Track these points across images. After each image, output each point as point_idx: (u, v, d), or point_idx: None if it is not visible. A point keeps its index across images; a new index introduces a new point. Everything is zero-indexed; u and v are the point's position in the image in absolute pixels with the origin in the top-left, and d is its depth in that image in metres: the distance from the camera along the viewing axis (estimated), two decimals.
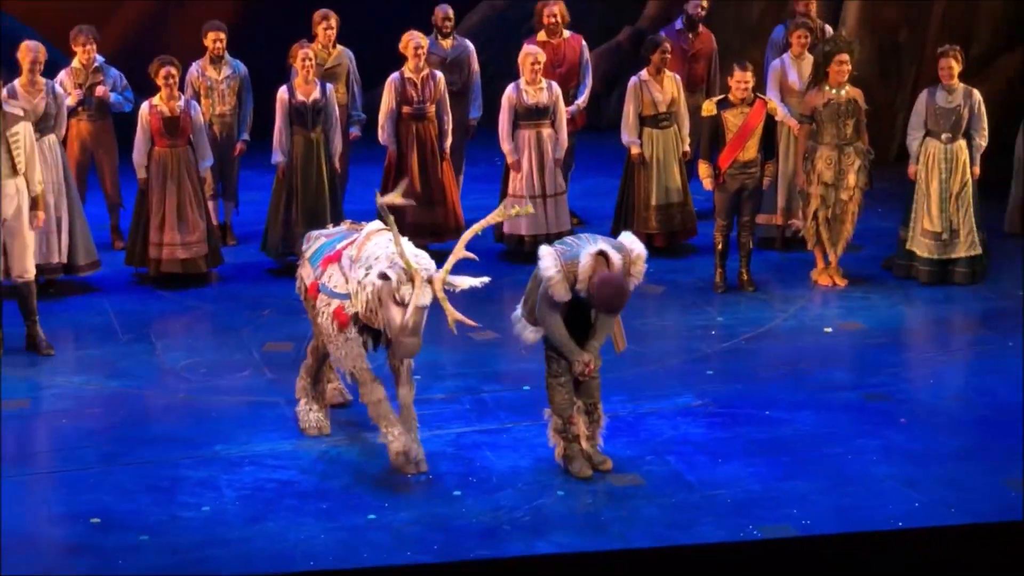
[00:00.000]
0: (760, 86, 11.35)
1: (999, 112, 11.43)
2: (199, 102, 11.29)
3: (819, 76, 10.79)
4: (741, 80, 10.57)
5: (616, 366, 9.28)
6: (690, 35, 12.20)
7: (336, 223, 11.05)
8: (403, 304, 7.46)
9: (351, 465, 7.94)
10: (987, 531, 6.93)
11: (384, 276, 7.47)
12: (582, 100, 11.98)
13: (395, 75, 11.38)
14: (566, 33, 12.09)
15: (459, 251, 7.71)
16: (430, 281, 7.51)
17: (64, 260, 10.64)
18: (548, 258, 7.63)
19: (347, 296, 7.74)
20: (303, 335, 8.93)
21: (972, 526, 7.09)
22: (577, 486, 7.74)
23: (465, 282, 7.63)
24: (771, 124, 10.75)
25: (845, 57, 10.65)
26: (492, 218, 7.87)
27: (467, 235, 7.80)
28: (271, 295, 10.69)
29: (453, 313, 7.55)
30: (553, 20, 11.97)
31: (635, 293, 10.48)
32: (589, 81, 12.15)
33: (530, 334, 7.86)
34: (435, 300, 7.49)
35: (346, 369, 7.89)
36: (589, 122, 13.79)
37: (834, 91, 10.66)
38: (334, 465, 7.94)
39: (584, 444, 7.91)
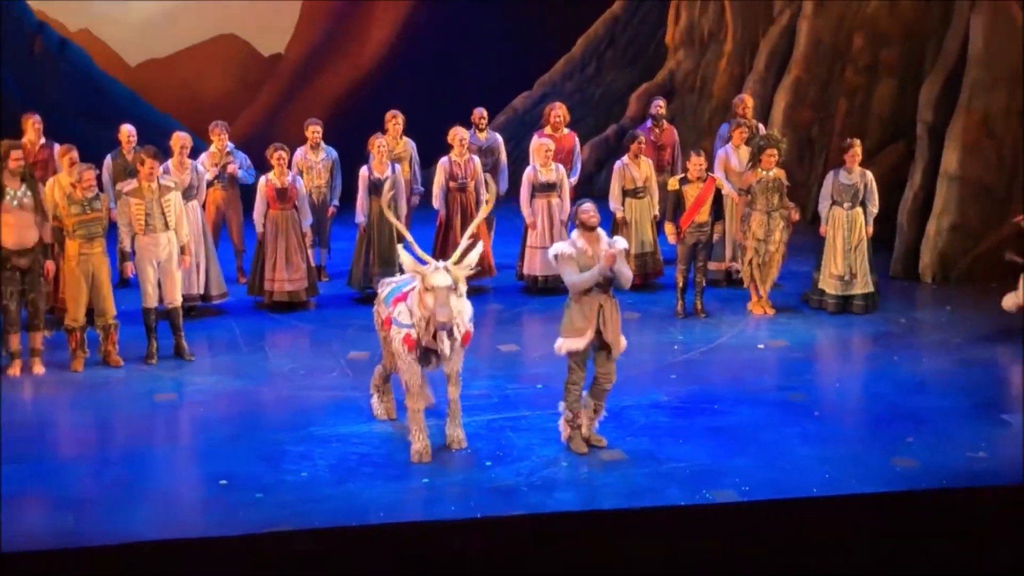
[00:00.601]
0: (710, 167, 11.30)
1: (886, 188, 11.37)
2: (302, 177, 11.27)
3: (754, 161, 10.72)
4: (696, 163, 10.56)
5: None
6: (656, 130, 12.14)
7: (402, 270, 11.04)
8: (430, 288, 7.46)
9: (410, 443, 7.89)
10: (880, 499, 6.86)
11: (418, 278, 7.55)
12: (574, 179, 11.95)
13: (444, 159, 11.33)
14: (565, 130, 12.05)
15: (464, 241, 7.80)
16: (446, 269, 7.52)
17: (202, 291, 10.61)
18: (558, 245, 7.76)
19: (411, 326, 7.68)
20: (377, 347, 8.89)
21: (869, 495, 7.01)
22: (577, 459, 7.67)
23: (473, 259, 7.66)
24: (718, 195, 10.72)
25: (774, 150, 10.60)
26: (480, 216, 8.21)
27: (471, 228, 7.96)
28: (353, 317, 10.64)
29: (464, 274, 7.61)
30: (557, 119, 11.94)
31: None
32: (579, 166, 12.09)
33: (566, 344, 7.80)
34: (454, 285, 7.46)
35: (405, 380, 7.80)
36: (583, 193, 13.74)
37: (764, 172, 10.59)
38: (398, 443, 7.89)
39: (584, 430, 7.85)
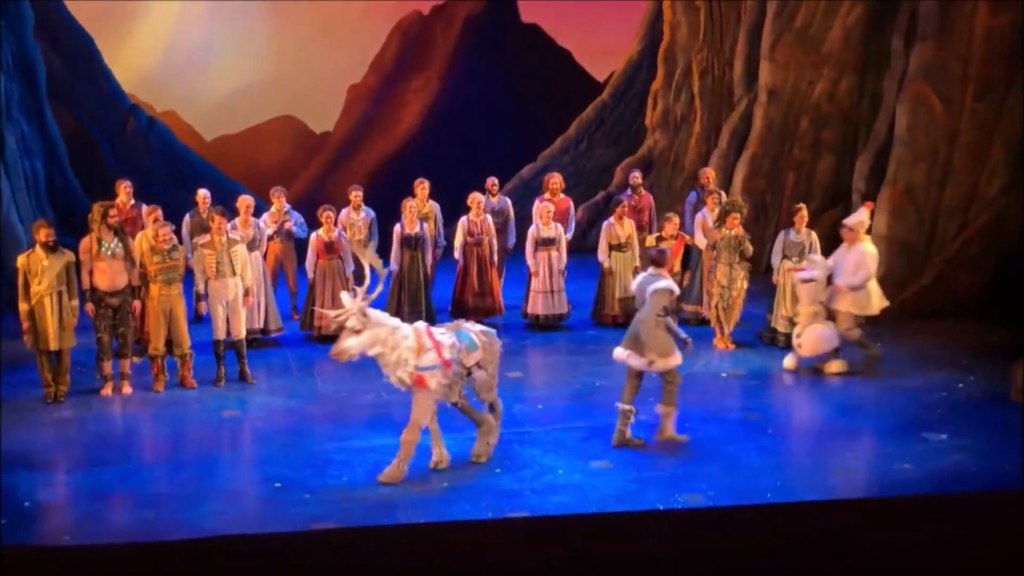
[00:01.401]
0: (681, 227, 11.31)
1: (827, 245, 11.33)
2: (346, 233, 11.29)
3: (720, 222, 10.71)
4: (671, 224, 10.62)
5: (593, 393, 9.19)
6: (636, 196, 12.14)
7: (428, 305, 11.03)
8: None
9: (428, 454, 7.85)
10: (823, 506, 6.79)
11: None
12: (570, 236, 11.94)
13: (464, 218, 11.34)
14: (562, 195, 12.08)
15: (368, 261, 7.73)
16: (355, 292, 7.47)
17: (262, 326, 10.62)
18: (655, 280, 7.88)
19: (430, 368, 7.35)
20: None
21: (815, 502, 6.95)
22: (571, 467, 7.61)
23: (375, 264, 7.66)
24: (688, 251, 10.72)
25: (736, 214, 10.59)
26: (370, 260, 7.85)
27: (369, 260, 7.79)
28: None
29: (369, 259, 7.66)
30: (555, 186, 11.96)
31: (604, 352, 10.42)
32: (573, 226, 12.10)
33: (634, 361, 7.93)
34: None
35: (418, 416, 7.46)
36: (578, 247, 13.77)
37: (728, 231, 10.59)
38: (423, 453, 7.84)
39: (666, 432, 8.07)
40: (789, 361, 9.79)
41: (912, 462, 7.65)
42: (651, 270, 8.11)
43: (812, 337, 9.62)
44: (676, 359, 7.90)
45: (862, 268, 9.43)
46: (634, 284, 8.17)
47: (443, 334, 7.46)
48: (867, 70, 13.36)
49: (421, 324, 7.52)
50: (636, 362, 7.88)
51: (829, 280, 9.74)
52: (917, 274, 11.84)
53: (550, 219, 11.37)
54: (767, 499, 7.05)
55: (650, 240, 10.83)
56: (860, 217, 9.77)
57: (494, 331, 7.70)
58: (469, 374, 7.55)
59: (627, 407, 7.93)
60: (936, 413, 8.65)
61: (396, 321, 7.51)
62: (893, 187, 11.91)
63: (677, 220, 10.66)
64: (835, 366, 9.66)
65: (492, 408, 7.75)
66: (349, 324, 7.38)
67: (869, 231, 11.85)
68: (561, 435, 8.24)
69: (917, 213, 11.94)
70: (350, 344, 7.36)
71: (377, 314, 7.47)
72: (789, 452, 7.97)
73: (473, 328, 7.62)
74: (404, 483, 7.31)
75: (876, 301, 9.70)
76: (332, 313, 7.62)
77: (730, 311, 10.67)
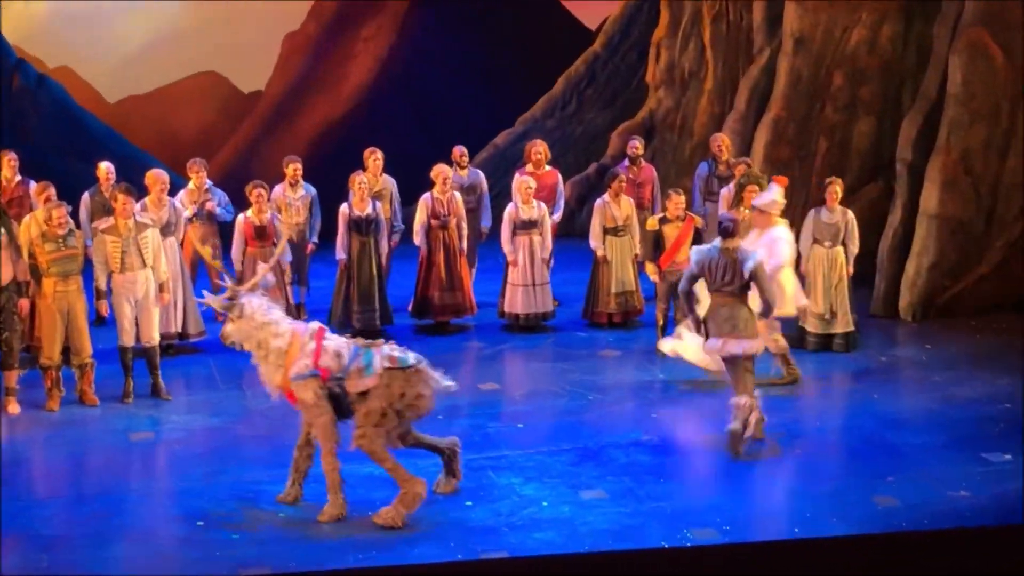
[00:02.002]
0: (689, 206, 11.37)
1: (865, 227, 11.43)
2: (280, 215, 11.29)
3: (737, 200, 10.79)
4: (675, 203, 10.62)
5: (584, 409, 9.24)
6: (635, 168, 12.21)
7: (383, 303, 11.06)
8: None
9: (390, 483, 7.86)
10: (861, 541, 6.84)
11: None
12: (557, 216, 12.01)
13: (426, 195, 11.37)
14: (547, 167, 12.12)
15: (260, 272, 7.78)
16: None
17: (179, 329, 10.59)
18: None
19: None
20: None
21: (852, 537, 7.00)
22: (558, 498, 7.65)
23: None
24: (698, 235, 10.75)
25: (755, 188, 10.66)
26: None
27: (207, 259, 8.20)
28: None
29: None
30: (538, 156, 12.02)
31: (597, 357, 10.52)
32: (562, 204, 12.17)
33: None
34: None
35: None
36: (566, 231, 13.82)
37: (747, 211, 10.64)
38: (377, 483, 7.85)
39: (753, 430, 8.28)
40: (668, 346, 9.63)
41: (969, 488, 7.73)
42: (720, 242, 8.33)
43: (697, 349, 9.30)
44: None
45: (774, 258, 9.34)
46: (694, 258, 8.38)
47: (337, 340, 7.31)
48: (913, 14, 13.44)
49: (313, 324, 7.44)
50: (741, 347, 8.22)
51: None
52: (974, 261, 11.97)
53: (531, 196, 11.42)
54: (794, 534, 7.11)
55: (652, 222, 10.89)
56: (772, 196, 9.70)
57: (423, 364, 7.26)
58: (350, 406, 7.20)
59: (751, 400, 8.24)
60: (997, 428, 8.74)
61: (277, 315, 7.44)
62: (945, 155, 12.01)
63: (683, 198, 10.70)
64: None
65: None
66: (221, 308, 7.50)
67: (917, 209, 11.95)
68: (546, 460, 8.28)
69: (974, 187, 12.06)
70: (228, 331, 7.50)
71: (254, 304, 7.42)
72: (821, 476, 8.04)
73: (388, 353, 7.23)
74: (356, 519, 7.31)
75: (790, 299, 9.54)
76: (207, 296, 7.70)
77: None
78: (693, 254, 8.59)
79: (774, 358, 9.67)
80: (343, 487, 7.35)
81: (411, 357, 7.31)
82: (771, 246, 9.39)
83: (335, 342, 7.32)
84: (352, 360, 7.22)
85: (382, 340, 7.50)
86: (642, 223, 11.48)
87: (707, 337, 8.35)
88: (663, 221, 10.73)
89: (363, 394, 7.20)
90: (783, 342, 9.68)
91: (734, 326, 8.27)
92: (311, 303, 12.07)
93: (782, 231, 9.57)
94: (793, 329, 10.79)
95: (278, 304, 7.68)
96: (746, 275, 8.31)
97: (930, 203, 11.94)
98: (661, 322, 10.73)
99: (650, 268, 10.72)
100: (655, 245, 10.68)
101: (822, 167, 13.90)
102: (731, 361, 8.31)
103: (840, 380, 10.18)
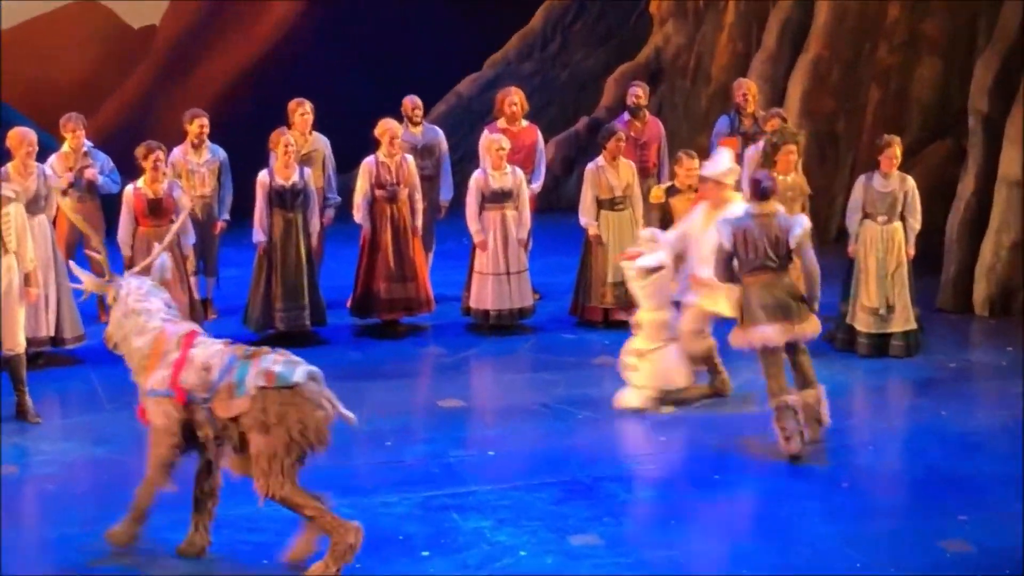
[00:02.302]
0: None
1: (930, 196, 11.52)
2: (181, 184, 11.27)
3: (769, 164, 10.81)
4: (687, 168, 10.58)
5: (572, 432, 9.26)
6: (637, 124, 12.27)
7: (314, 297, 11.07)
8: None
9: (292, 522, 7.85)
10: None
11: None
12: (537, 186, 12.06)
13: (370, 159, 11.39)
14: (524, 122, 12.17)
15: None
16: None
17: (52, 333, 10.55)
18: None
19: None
20: None
21: None
22: (540, 546, 7.66)
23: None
24: None
25: (793, 148, 10.73)
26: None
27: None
28: None
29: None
30: (513, 108, 12.08)
31: (590, 365, 10.57)
32: (543, 168, 12.24)
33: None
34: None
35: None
36: (549, 203, 13.83)
37: (782, 177, 10.68)
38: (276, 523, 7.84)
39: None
40: (630, 398, 9.63)
41: None
42: (754, 207, 8.51)
43: (659, 368, 9.48)
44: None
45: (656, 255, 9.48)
46: (724, 231, 8.59)
47: (209, 348, 7.18)
48: None
49: (185, 326, 7.42)
50: (797, 332, 8.67)
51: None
52: None
53: (504, 160, 11.43)
54: None
55: (658, 192, 10.87)
56: (725, 163, 9.70)
57: (320, 377, 7.06)
58: (225, 435, 7.11)
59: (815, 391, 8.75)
60: None
61: (153, 304, 7.36)
62: None
63: (696, 162, 10.71)
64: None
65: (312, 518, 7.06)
66: (94, 289, 7.63)
67: (995, 174, 12.00)
68: (524, 497, 8.28)
69: None
70: (109, 330, 7.55)
71: (132, 286, 7.42)
72: (875, 515, 8.09)
73: (266, 367, 6.98)
74: (280, 571, 7.30)
75: (724, 297, 9.42)
76: (77, 272, 7.76)
77: None
78: (721, 227, 8.65)
79: (697, 363, 9.82)
80: (145, 520, 7.39)
81: (298, 372, 6.98)
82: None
83: (205, 351, 7.14)
84: (222, 376, 7.02)
85: (268, 348, 7.24)
86: (646, 194, 11.53)
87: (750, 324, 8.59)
88: (672, 191, 10.75)
89: (235, 420, 7.00)
90: (711, 340, 9.79)
91: (787, 310, 8.55)
92: (221, 299, 12.05)
93: (735, 207, 9.26)
94: (842, 328, 10.86)
95: (163, 295, 7.55)
96: (792, 244, 8.53)
97: (1012, 167, 12.02)
98: None
99: None
100: (662, 222, 10.71)
101: (874, 122, 13.99)
102: (772, 352, 8.61)
103: (899, 392, 10.24)
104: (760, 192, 8.67)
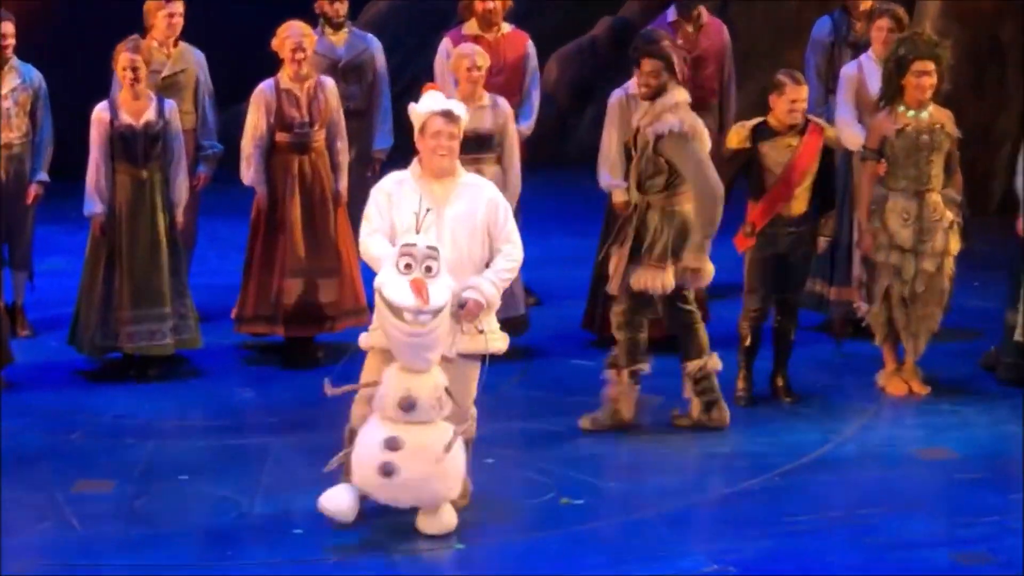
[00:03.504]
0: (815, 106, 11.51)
1: None
2: None
3: (891, 92, 10.85)
4: (795, 99, 10.64)
5: (594, 512, 9.31)
6: (688, 27, 12.33)
7: (178, 303, 11.11)
8: None
9: None
10: None
11: None
12: (527, 126, 12.04)
13: (266, 84, 11.41)
14: (506, 27, 12.20)
15: None
16: None
17: None
18: None
19: None
20: (131, 466, 8.93)
21: None
22: None
23: None
24: (829, 162, 10.84)
25: (929, 66, 10.63)
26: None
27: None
28: (83, 409, 10.69)
29: None
30: (490, 6, 12.11)
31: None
32: (536, 98, 12.27)
33: None
34: None
35: None
36: (549, 154, 13.85)
37: (912, 113, 10.77)
38: None
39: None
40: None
41: None
42: None
43: None
44: None
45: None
46: None
47: None
48: None
49: None
50: None
51: None
52: None
53: (479, 87, 11.49)
54: None
55: (739, 134, 10.68)
56: None
57: None
58: None
59: None
60: None
61: None
62: None
63: (804, 91, 10.68)
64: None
65: None
66: None
67: None
68: None
69: None
70: None
71: None
72: None
73: None
74: None
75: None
76: None
77: (921, 307, 10.85)
78: None
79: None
80: None
81: None
82: None
83: None
84: None
85: None
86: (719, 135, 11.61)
87: None
88: (760, 134, 10.74)
89: None
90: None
91: None
92: (37, 306, 12.07)
93: None
94: (1010, 349, 10.91)
95: None
96: None
97: None
98: (748, 340, 10.71)
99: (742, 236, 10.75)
100: (751, 181, 10.69)
101: None
102: None
103: None
104: None
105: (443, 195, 8.87)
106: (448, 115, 8.80)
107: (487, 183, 9.09)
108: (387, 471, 8.62)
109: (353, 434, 9.00)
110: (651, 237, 10.13)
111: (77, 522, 9.26)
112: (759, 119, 10.81)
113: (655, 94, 10.40)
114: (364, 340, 9.04)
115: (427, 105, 8.90)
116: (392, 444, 8.59)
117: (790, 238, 10.63)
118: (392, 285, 8.51)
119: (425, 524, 8.85)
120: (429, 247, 8.58)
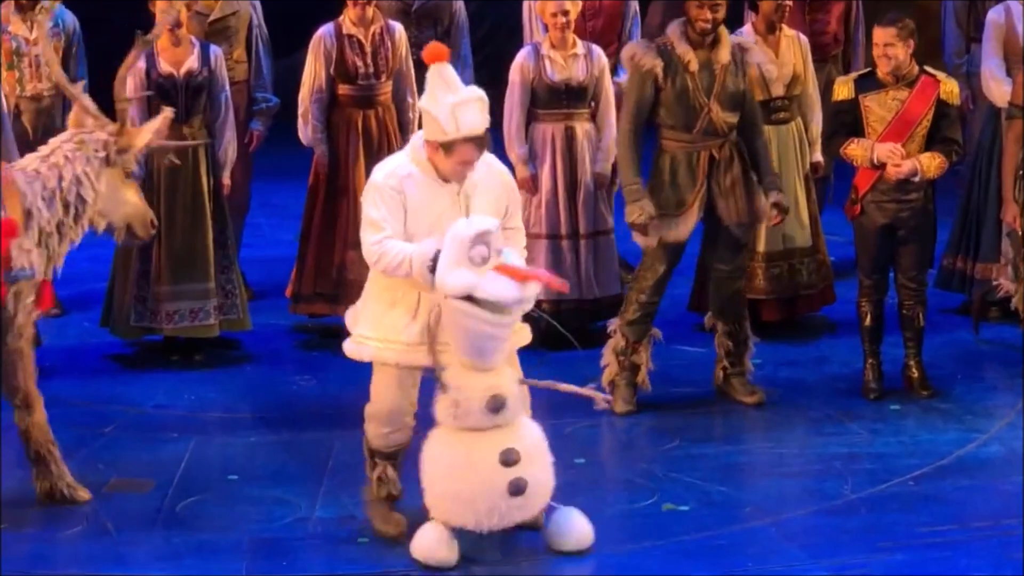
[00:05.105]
0: (931, 57, 11.46)
1: None
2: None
3: None
4: (879, 41, 10.52)
5: (698, 520, 9.33)
6: None
7: (226, 280, 11.17)
8: None
9: None
10: None
11: None
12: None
13: (326, 29, 11.50)
14: None
15: None
16: None
17: None
18: None
19: None
20: (172, 464, 8.99)
21: None
22: None
23: None
24: (946, 116, 10.78)
25: None
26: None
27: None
28: (118, 399, 10.82)
29: None
30: None
31: (726, 402, 10.69)
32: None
33: None
34: None
35: None
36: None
37: None
38: None
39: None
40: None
41: None
42: None
43: None
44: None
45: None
46: None
47: None
48: None
49: None
50: None
51: None
52: None
53: (569, 33, 11.51)
54: None
55: (843, 87, 10.75)
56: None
57: None
58: None
59: None
60: None
61: None
62: None
63: (887, 30, 10.64)
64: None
65: None
66: None
67: None
68: None
69: None
70: None
71: None
72: None
73: None
74: None
75: None
76: None
77: None
78: None
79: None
80: None
81: None
82: None
83: None
84: None
85: None
86: (824, 90, 11.61)
87: None
88: (866, 83, 10.74)
89: None
90: None
91: None
92: (65, 283, 12.14)
93: None
94: None
95: None
96: None
97: None
98: (868, 320, 10.70)
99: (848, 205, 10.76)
100: (851, 135, 10.70)
101: None
102: None
103: None
104: None
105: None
106: (480, 142, 8.43)
107: (497, 163, 8.81)
108: (518, 489, 8.50)
109: (375, 455, 8.97)
110: None
111: (112, 526, 9.35)
112: (867, 69, 10.90)
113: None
114: (367, 354, 8.87)
115: (454, 128, 8.42)
116: (509, 457, 8.51)
117: (898, 207, 10.55)
118: (488, 283, 8.30)
119: (560, 541, 8.86)
120: (496, 227, 8.42)
